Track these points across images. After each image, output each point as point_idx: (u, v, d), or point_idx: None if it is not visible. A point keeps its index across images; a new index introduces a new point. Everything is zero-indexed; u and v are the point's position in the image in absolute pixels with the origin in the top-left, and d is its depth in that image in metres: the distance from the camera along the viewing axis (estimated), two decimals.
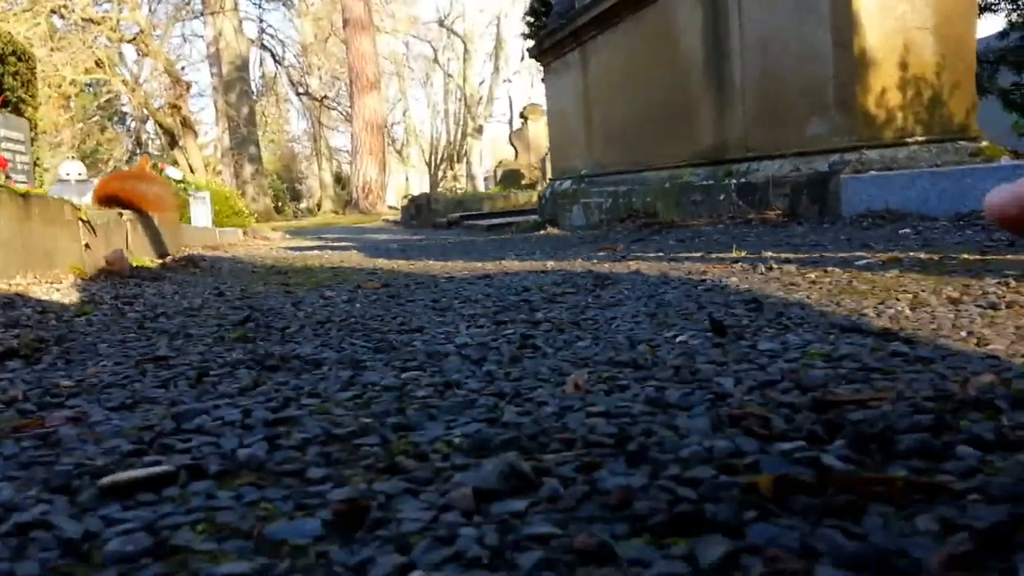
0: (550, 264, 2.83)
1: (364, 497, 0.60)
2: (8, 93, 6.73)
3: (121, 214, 4.23)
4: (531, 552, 0.49)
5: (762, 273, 1.96)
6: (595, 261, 2.80)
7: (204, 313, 1.96)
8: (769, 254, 2.45)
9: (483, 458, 0.69)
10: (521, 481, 0.61)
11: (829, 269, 1.89)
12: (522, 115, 15.34)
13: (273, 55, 27.23)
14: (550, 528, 0.52)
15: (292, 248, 6.50)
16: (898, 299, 1.41)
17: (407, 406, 0.90)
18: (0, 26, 8.20)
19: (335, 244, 6.96)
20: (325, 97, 28.17)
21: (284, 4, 26.22)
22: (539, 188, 10.46)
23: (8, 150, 5.65)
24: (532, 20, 9.65)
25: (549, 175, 8.49)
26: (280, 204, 26.32)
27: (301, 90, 28.41)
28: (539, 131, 13.72)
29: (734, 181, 4.83)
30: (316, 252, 5.44)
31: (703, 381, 0.92)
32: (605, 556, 0.48)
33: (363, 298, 2.13)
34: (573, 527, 0.52)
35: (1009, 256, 1.94)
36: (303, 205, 30.27)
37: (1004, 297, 1.34)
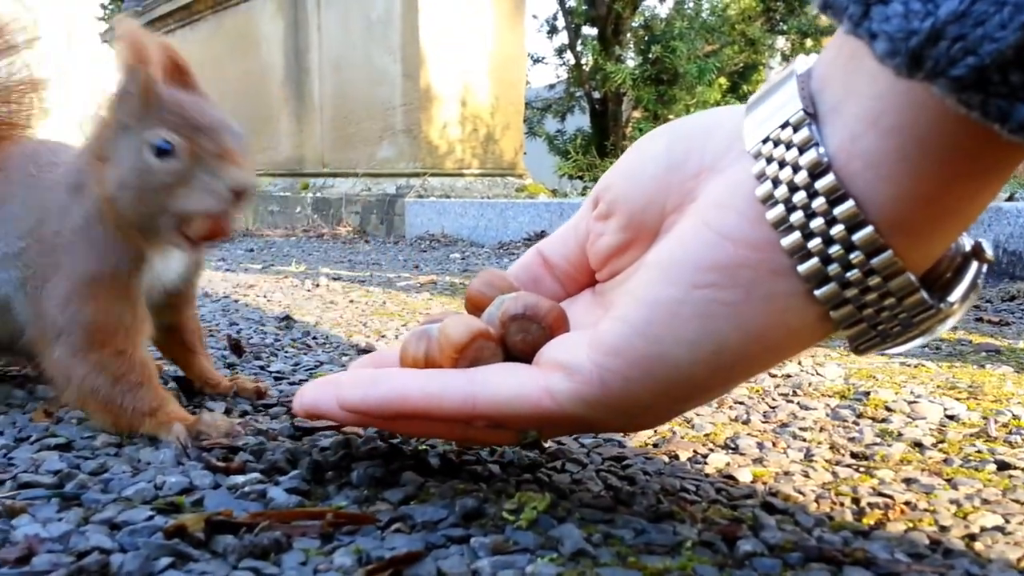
0: None
1: None
2: None
3: None
4: None
5: (308, 289, 1.98)
6: None
7: None
8: (326, 270, 2.49)
9: None
10: None
11: (371, 288, 1.97)
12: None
13: None
14: None
15: None
16: (418, 321, 1.51)
17: None
18: None
19: None
20: None
21: None
22: None
23: None
24: (106, 3, 8.81)
25: None
26: None
27: None
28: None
29: (311, 195, 4.85)
30: None
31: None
32: None
33: None
34: None
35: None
36: None
37: None
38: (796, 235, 0.46)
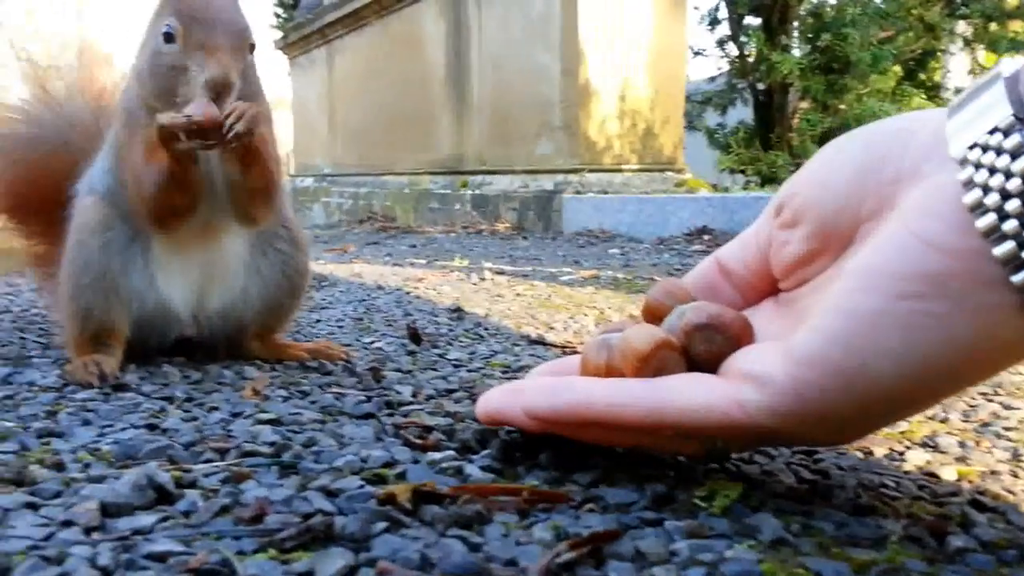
0: None
1: None
2: None
3: None
4: (144, 572, 0.46)
5: (474, 283, 2.03)
6: (322, 261, 2.76)
7: None
8: (488, 265, 2.55)
9: (125, 468, 0.64)
10: (159, 493, 0.58)
11: (535, 283, 2.00)
12: None
13: None
14: (173, 545, 0.49)
15: None
16: (586, 314, 1.53)
17: (62, 409, 0.83)
18: None
19: None
20: (50, 66, 25.39)
21: None
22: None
23: None
24: (279, 12, 9.36)
25: (292, 170, 8.26)
26: None
27: (23, 56, 25.41)
28: (284, 124, 13.30)
29: (470, 192, 4.97)
30: None
31: (384, 389, 0.93)
32: (224, 574, 0.46)
33: None
34: (199, 543, 0.50)
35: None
36: None
37: None
38: (1009, 245, 0.44)
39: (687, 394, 0.55)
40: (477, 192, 4.90)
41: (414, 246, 3.68)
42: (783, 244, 0.61)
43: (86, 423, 0.79)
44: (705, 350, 0.59)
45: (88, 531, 0.52)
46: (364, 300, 1.74)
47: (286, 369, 1.05)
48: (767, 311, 0.64)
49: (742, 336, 0.59)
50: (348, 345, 1.19)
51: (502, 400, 0.63)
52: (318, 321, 1.45)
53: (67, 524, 0.53)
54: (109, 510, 0.55)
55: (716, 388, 0.55)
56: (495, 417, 0.64)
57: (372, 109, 6.37)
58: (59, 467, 0.65)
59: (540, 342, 1.26)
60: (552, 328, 1.39)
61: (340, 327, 1.40)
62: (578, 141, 4.32)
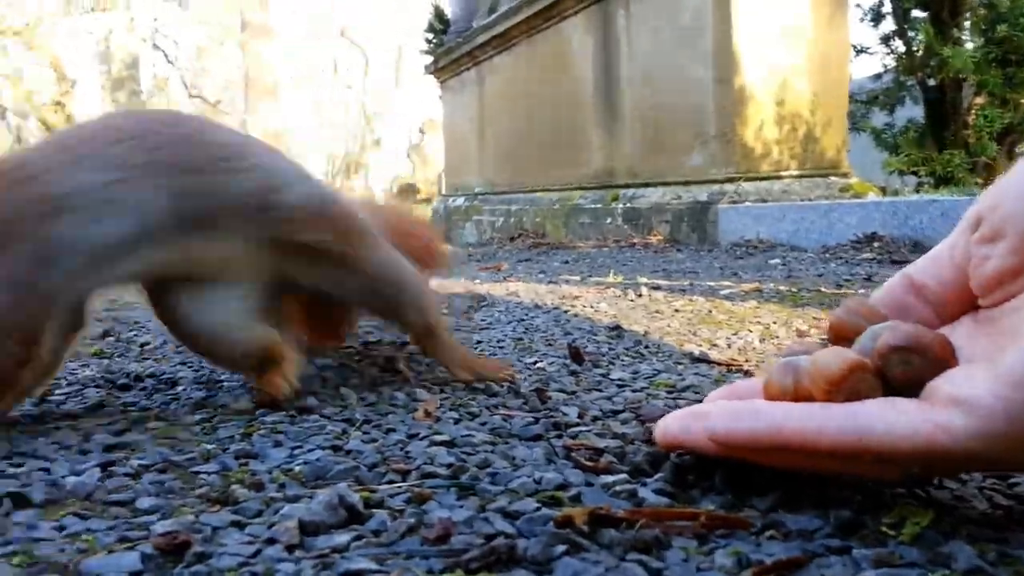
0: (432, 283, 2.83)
1: (189, 530, 0.60)
2: None
3: None
4: None
5: (631, 300, 2.03)
6: (477, 281, 2.83)
7: None
8: (643, 280, 2.53)
9: (316, 489, 0.69)
10: (350, 513, 0.62)
11: (694, 298, 1.97)
12: (420, 130, 15.33)
13: (166, 55, 26.35)
14: (368, 564, 0.52)
15: None
16: (750, 330, 1.49)
17: (255, 431, 0.89)
18: None
19: None
20: (219, 101, 27.42)
21: (179, 4, 25.44)
22: (434, 203, 10.46)
23: None
24: (431, 37, 9.68)
25: (443, 190, 8.52)
26: None
27: (194, 93, 27.58)
28: (436, 146, 13.75)
29: (620, 206, 4.96)
30: None
31: (550, 410, 0.94)
32: None
33: None
34: (391, 562, 0.53)
35: (863, 291, 2.06)
36: None
37: None
38: None
39: (888, 419, 0.53)
40: (628, 206, 4.87)
41: (567, 262, 3.70)
42: (983, 259, 0.58)
43: (277, 444, 0.85)
44: (901, 373, 0.57)
45: (290, 548, 0.56)
46: (523, 320, 1.77)
47: (453, 391, 1.08)
48: (966, 329, 0.61)
49: (943, 358, 0.56)
50: (511, 366, 1.22)
51: (683, 424, 0.63)
52: (479, 343, 1.49)
53: (270, 542, 0.58)
54: (307, 528, 0.59)
55: (918, 413, 0.52)
56: (676, 441, 0.64)
57: (522, 127, 6.48)
58: (258, 487, 0.70)
59: (704, 360, 1.24)
60: (715, 345, 1.37)
61: (501, 347, 1.43)
62: (733, 149, 4.22)
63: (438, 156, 14.85)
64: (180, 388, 1.16)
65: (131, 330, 1.76)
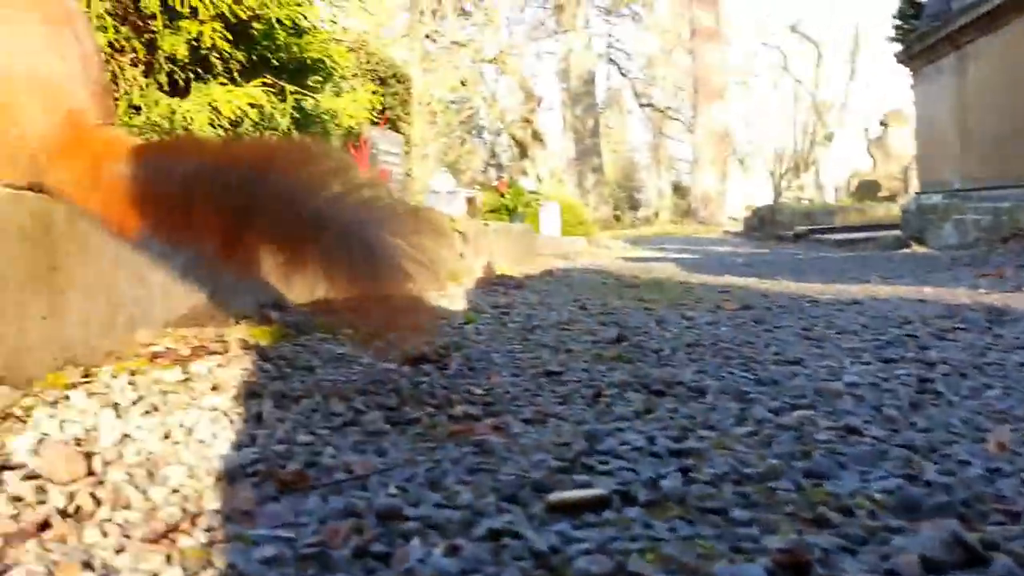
0: (927, 291, 2.61)
1: (802, 549, 0.61)
2: (389, 112, 7.68)
3: (487, 224, 4.63)
4: None
5: None
6: (981, 290, 2.54)
7: (575, 328, 2.08)
8: None
9: (913, 521, 0.66)
10: (968, 554, 0.58)
11: None
12: (882, 122, 14.28)
13: (619, 68, 28.03)
14: None
15: (635, 258, 6.65)
16: None
17: (812, 449, 0.89)
18: (384, 52, 9.33)
19: (677, 256, 7.00)
20: (668, 108, 28.43)
21: (632, 18, 26.87)
22: (899, 201, 9.67)
23: (388, 163, 6.43)
24: (900, 24, 8.96)
25: (913, 187, 7.82)
26: (619, 213, 27.02)
27: (644, 101, 28.93)
28: (901, 139, 12.67)
29: None
30: (659, 264, 5.52)
31: None
32: None
33: (726, 320, 2.13)
34: None
35: None
36: (640, 214, 30.76)
37: None
38: None
39: None
40: None
41: None
42: None
43: (841, 466, 0.84)
44: None
45: None
46: None
47: None
48: None
49: None
50: None
51: None
52: (1021, 364, 1.33)
53: (891, 574, 0.57)
54: (927, 564, 0.57)
55: None
56: None
57: (1014, 115, 5.68)
58: (846, 511, 0.70)
59: None
60: None
61: None
62: None
63: (902, 150, 13.67)
64: (710, 397, 1.21)
65: (636, 335, 1.89)
